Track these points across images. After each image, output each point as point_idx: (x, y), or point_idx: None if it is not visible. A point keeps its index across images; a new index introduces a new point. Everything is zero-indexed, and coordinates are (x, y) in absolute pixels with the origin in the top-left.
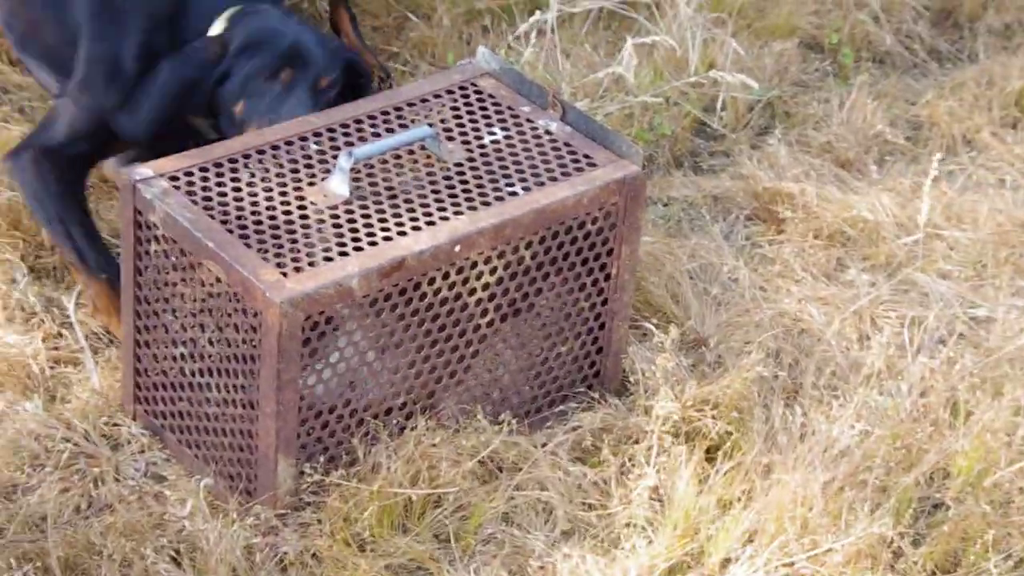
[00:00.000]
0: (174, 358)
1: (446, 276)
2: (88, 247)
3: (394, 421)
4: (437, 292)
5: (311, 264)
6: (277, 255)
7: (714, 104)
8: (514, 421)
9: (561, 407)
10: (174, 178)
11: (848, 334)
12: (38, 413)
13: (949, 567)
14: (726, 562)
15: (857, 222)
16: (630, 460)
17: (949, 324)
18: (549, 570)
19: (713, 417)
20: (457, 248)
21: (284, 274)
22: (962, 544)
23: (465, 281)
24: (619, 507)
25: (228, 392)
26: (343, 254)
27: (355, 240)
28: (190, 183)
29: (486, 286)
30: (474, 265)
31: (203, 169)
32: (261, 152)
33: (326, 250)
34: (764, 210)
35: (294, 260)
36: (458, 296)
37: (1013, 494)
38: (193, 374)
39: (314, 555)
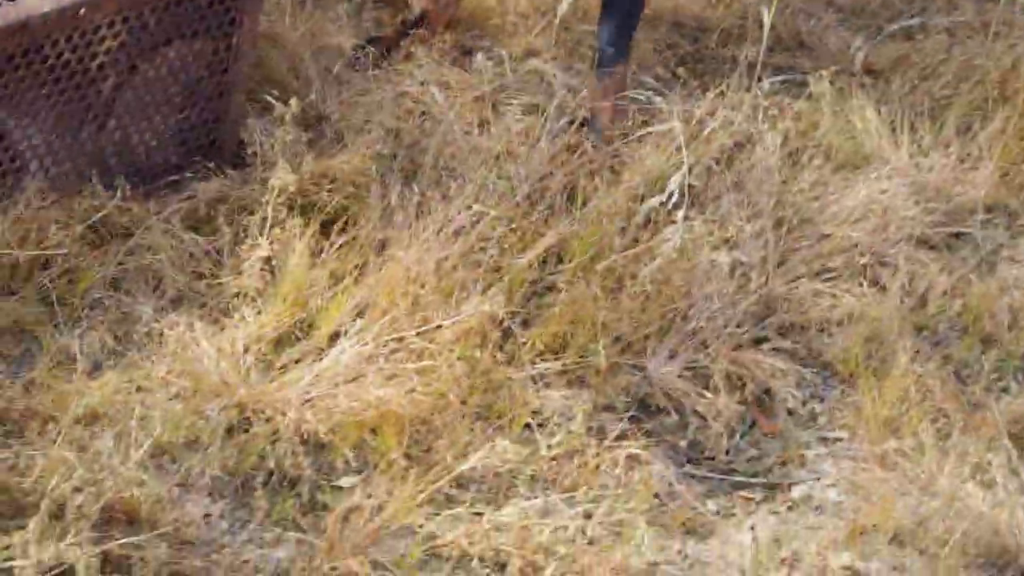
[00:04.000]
0: None
1: (69, 39)
2: None
3: (9, 183)
4: (60, 55)
5: None
6: None
7: None
8: (128, 187)
9: (176, 176)
10: None
11: (470, 118)
12: None
13: (558, 348)
14: (335, 335)
15: (491, 13)
16: (244, 231)
17: (572, 112)
18: (155, 336)
19: (330, 191)
20: (82, 11)
21: None
22: (572, 327)
23: (88, 45)
24: (230, 277)
25: None
26: None
27: None
28: None
29: (108, 51)
30: (97, 29)
31: None
32: None
33: None
34: None
35: None
36: (80, 59)
37: (625, 279)
38: None
39: None
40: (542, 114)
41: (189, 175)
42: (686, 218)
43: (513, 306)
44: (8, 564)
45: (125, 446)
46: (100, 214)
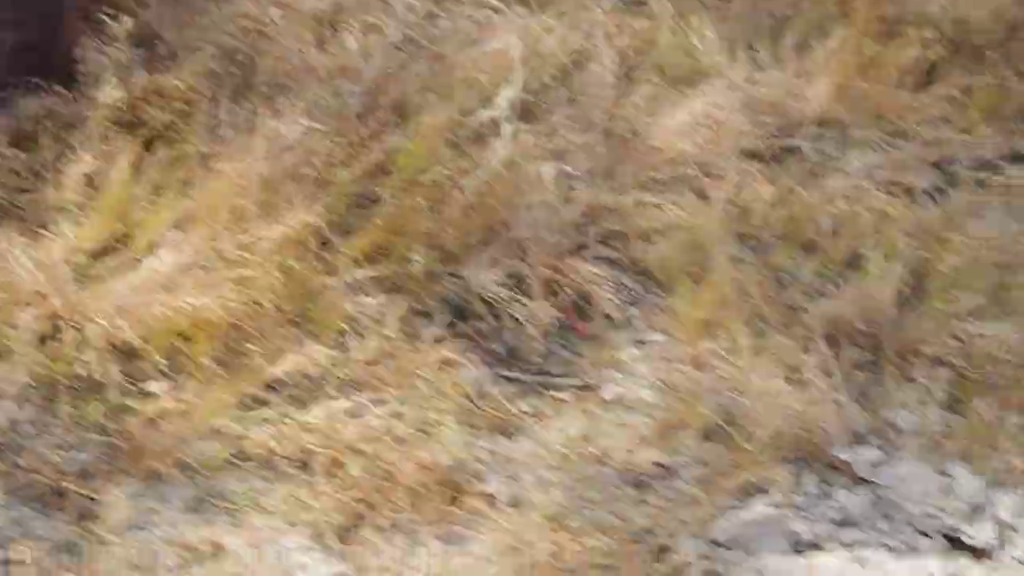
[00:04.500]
0: None
1: None
2: None
3: None
4: None
5: None
6: None
7: None
8: None
9: (3, 93)
10: None
11: (306, 37)
12: None
13: (378, 258)
14: (153, 246)
15: None
16: (68, 147)
17: (407, 30)
18: None
19: (160, 108)
20: None
21: None
22: (393, 237)
23: None
24: (51, 191)
25: None
26: None
27: None
28: None
29: None
30: None
31: None
32: None
33: None
34: None
35: None
36: None
37: (451, 192)
38: None
39: None
40: (379, 32)
41: (17, 92)
42: (517, 133)
43: (335, 217)
44: None
45: None
46: None
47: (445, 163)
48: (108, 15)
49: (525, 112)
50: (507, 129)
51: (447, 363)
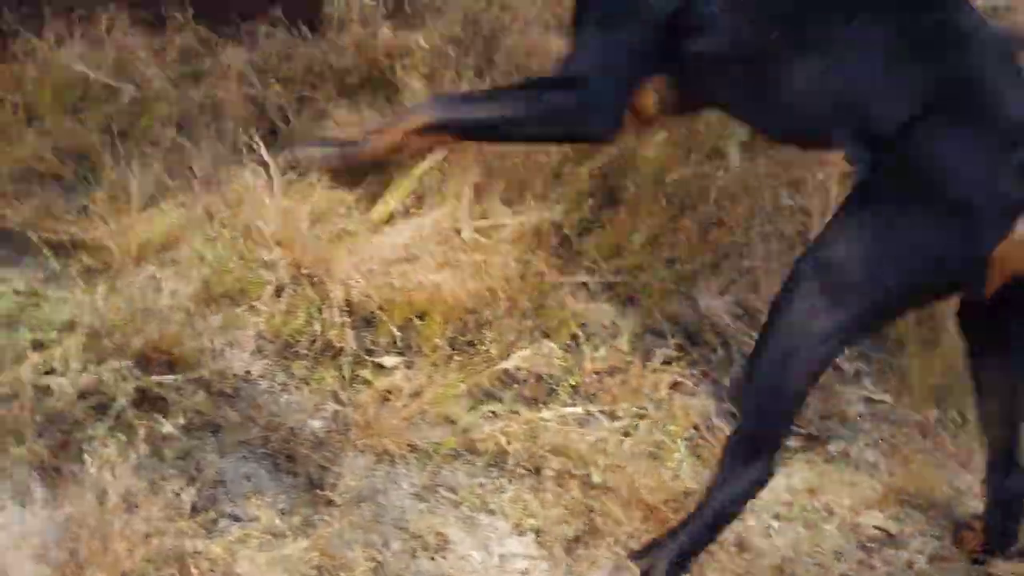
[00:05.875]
0: None
1: None
2: None
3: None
4: None
5: None
6: None
7: None
8: (202, 28)
9: (250, 24)
10: None
11: (546, 18)
12: None
13: (613, 262)
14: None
15: None
16: (310, 91)
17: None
18: (214, 182)
19: (402, 68)
20: None
21: None
22: (631, 244)
23: None
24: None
25: None
26: None
27: None
28: None
29: None
30: None
31: None
32: None
33: None
34: None
35: None
36: None
37: (686, 205)
38: None
39: None
40: None
41: (264, 26)
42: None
43: (572, 213)
44: (47, 381)
45: (173, 285)
46: (172, 51)
47: (685, 168)
48: None
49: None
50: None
51: (676, 387)
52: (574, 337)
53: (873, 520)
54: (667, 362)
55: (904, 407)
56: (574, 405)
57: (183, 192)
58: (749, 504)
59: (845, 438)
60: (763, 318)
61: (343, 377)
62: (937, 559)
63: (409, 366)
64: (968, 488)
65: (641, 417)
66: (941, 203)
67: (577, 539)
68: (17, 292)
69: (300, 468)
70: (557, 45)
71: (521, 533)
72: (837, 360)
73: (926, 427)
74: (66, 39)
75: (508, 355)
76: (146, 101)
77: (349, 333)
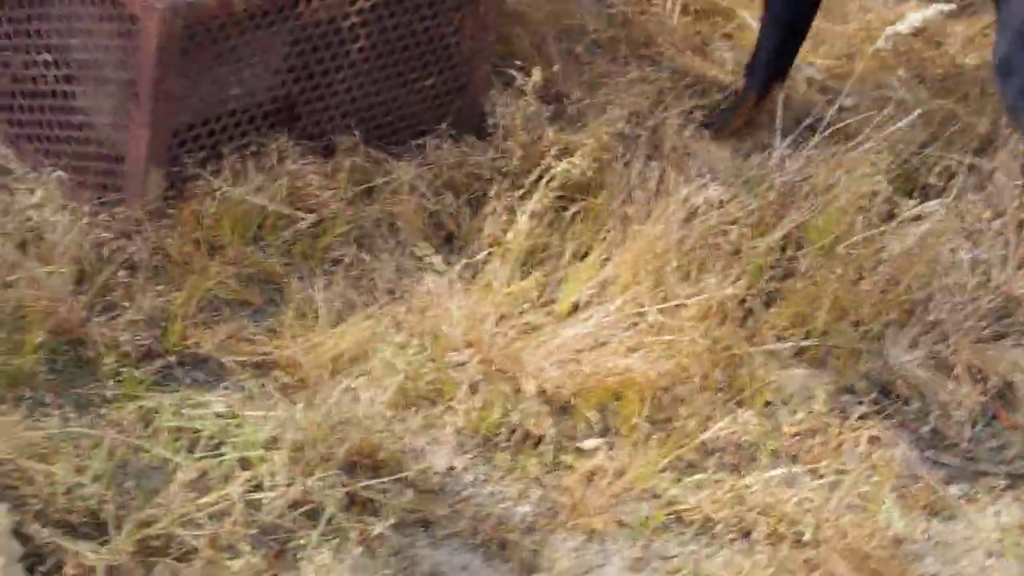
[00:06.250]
0: (36, 65)
1: None
2: None
3: (261, 129)
4: (314, 12)
5: None
6: None
7: None
8: (373, 149)
9: (419, 140)
10: None
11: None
12: None
13: (797, 328)
14: (576, 304)
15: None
16: (484, 196)
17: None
18: (398, 292)
19: (569, 165)
20: None
21: None
22: (811, 308)
23: (341, 3)
24: (471, 240)
25: (97, 100)
26: None
27: None
28: None
29: (360, 11)
30: None
31: None
32: None
33: None
34: None
35: None
36: (332, 19)
37: (864, 267)
38: (58, 81)
39: (166, 256)
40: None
41: (432, 140)
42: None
43: (753, 286)
44: (257, 496)
45: (370, 394)
46: (344, 173)
47: (857, 236)
48: (517, 68)
49: (935, 191)
50: (918, 208)
51: (875, 441)
52: (768, 403)
53: None
54: (863, 417)
55: None
56: (776, 468)
57: (369, 304)
58: (962, 543)
59: None
60: (955, 368)
61: (545, 463)
62: None
63: (610, 447)
64: None
65: (844, 473)
66: None
67: None
68: (218, 415)
69: (512, 554)
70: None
71: None
72: None
73: None
74: (241, 174)
75: (706, 427)
76: (323, 222)
77: (547, 421)
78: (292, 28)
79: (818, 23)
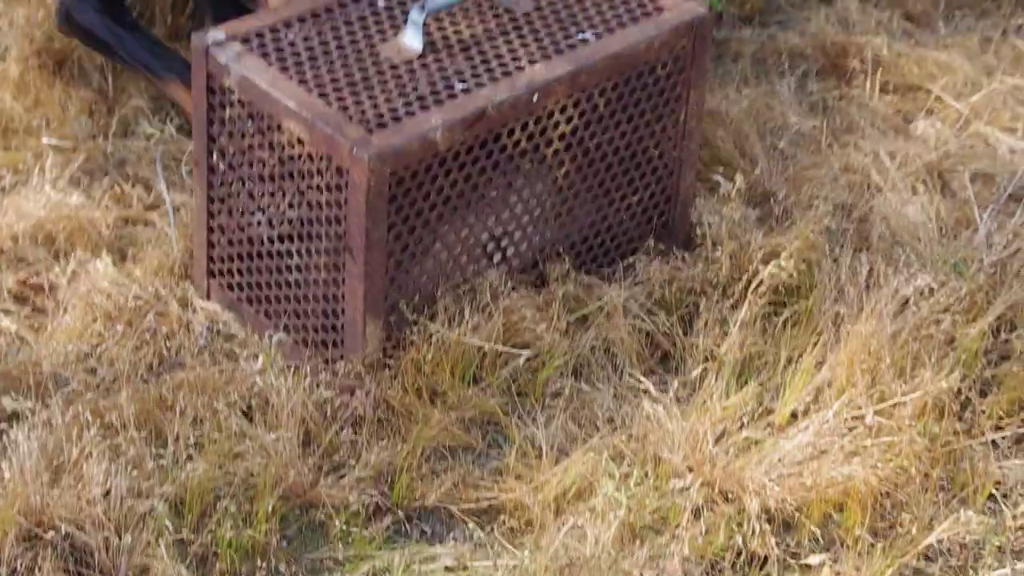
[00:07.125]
0: (252, 226)
1: (524, 127)
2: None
3: (473, 266)
4: (517, 144)
5: (394, 119)
6: (359, 112)
7: None
8: (583, 272)
9: (630, 259)
10: (246, 40)
11: (917, 188)
12: (108, 271)
13: (1016, 416)
14: (794, 413)
15: (926, 77)
16: (696, 311)
17: (1018, 181)
18: (617, 421)
19: (780, 268)
20: (535, 97)
21: (369, 130)
22: None
23: (543, 131)
24: (687, 359)
25: (311, 256)
26: (424, 108)
27: (434, 93)
28: (262, 44)
29: (562, 136)
30: (551, 115)
31: (274, 30)
32: (330, 10)
33: (407, 105)
34: (833, 65)
35: (376, 116)
36: (536, 147)
37: None
38: (273, 241)
39: (389, 407)
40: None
41: (643, 257)
42: None
43: (968, 376)
44: None
45: (595, 531)
46: (557, 303)
47: None
48: (719, 173)
49: None
50: None
51: None
52: (991, 497)
53: None
54: None
55: None
56: (1002, 567)
57: (590, 436)
58: None
59: None
60: None
61: None
62: None
63: (834, 560)
64: None
65: None
66: None
67: None
68: (448, 568)
69: None
70: (927, 214)
71: None
72: None
73: None
74: (456, 315)
75: (929, 530)
76: (540, 356)
77: (771, 540)
78: (497, 161)
79: None
